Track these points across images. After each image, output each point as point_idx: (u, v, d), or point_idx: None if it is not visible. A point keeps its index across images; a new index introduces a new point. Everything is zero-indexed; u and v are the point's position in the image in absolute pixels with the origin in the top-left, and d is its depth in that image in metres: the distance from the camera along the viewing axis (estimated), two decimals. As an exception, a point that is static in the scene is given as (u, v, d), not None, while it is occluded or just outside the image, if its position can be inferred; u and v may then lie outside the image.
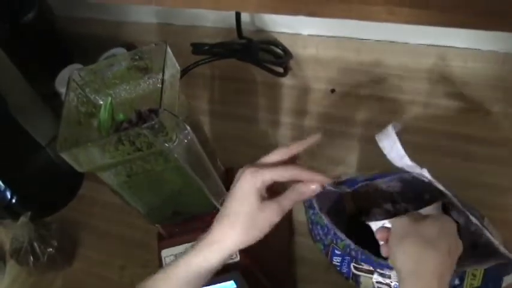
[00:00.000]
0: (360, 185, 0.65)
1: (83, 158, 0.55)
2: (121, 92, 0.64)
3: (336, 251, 0.67)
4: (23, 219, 0.85)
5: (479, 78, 0.88)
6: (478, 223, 0.57)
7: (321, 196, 0.58)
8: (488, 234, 0.57)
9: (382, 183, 0.67)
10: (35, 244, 0.85)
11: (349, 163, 0.85)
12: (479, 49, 0.90)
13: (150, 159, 0.59)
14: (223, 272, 0.56)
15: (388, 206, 0.67)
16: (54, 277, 0.90)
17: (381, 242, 0.58)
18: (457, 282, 0.59)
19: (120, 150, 0.54)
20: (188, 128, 0.57)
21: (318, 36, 1.02)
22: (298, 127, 0.93)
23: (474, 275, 0.59)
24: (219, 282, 0.64)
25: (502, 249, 0.57)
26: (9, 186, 0.93)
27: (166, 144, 0.55)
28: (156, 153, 0.57)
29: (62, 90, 0.93)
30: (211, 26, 1.12)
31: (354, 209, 0.72)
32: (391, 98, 0.90)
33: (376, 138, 0.57)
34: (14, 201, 0.94)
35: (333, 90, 0.95)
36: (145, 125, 0.53)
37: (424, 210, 0.58)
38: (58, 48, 1.14)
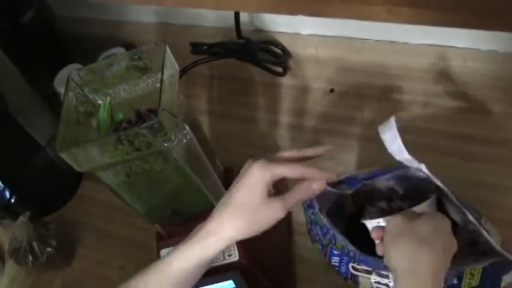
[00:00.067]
0: (360, 185, 0.65)
1: (82, 158, 0.55)
2: (120, 92, 0.64)
3: (334, 251, 0.67)
4: (22, 218, 0.85)
5: (479, 78, 0.87)
6: (474, 221, 0.57)
7: (321, 196, 0.58)
8: (484, 233, 0.57)
9: (382, 181, 0.67)
10: (34, 244, 0.85)
11: (348, 163, 0.85)
12: (478, 49, 0.90)
13: (149, 159, 0.59)
14: (222, 271, 0.56)
15: (383, 204, 0.67)
16: (53, 277, 0.90)
17: (377, 241, 0.58)
18: (455, 281, 0.59)
19: (119, 150, 0.54)
20: (187, 127, 0.57)
21: (317, 36, 1.02)
22: (297, 127, 0.93)
23: (472, 275, 0.59)
24: (218, 282, 0.64)
25: (497, 248, 0.57)
26: (8, 186, 0.93)
27: (166, 144, 0.55)
28: (155, 153, 0.57)
29: (61, 90, 0.93)
30: (210, 25, 1.12)
31: (353, 209, 0.72)
32: (390, 98, 0.90)
33: (379, 129, 0.58)
34: (13, 200, 0.94)
35: (331, 90, 0.95)
36: (144, 124, 0.53)
37: (418, 208, 0.58)
38: (58, 48, 1.14)
